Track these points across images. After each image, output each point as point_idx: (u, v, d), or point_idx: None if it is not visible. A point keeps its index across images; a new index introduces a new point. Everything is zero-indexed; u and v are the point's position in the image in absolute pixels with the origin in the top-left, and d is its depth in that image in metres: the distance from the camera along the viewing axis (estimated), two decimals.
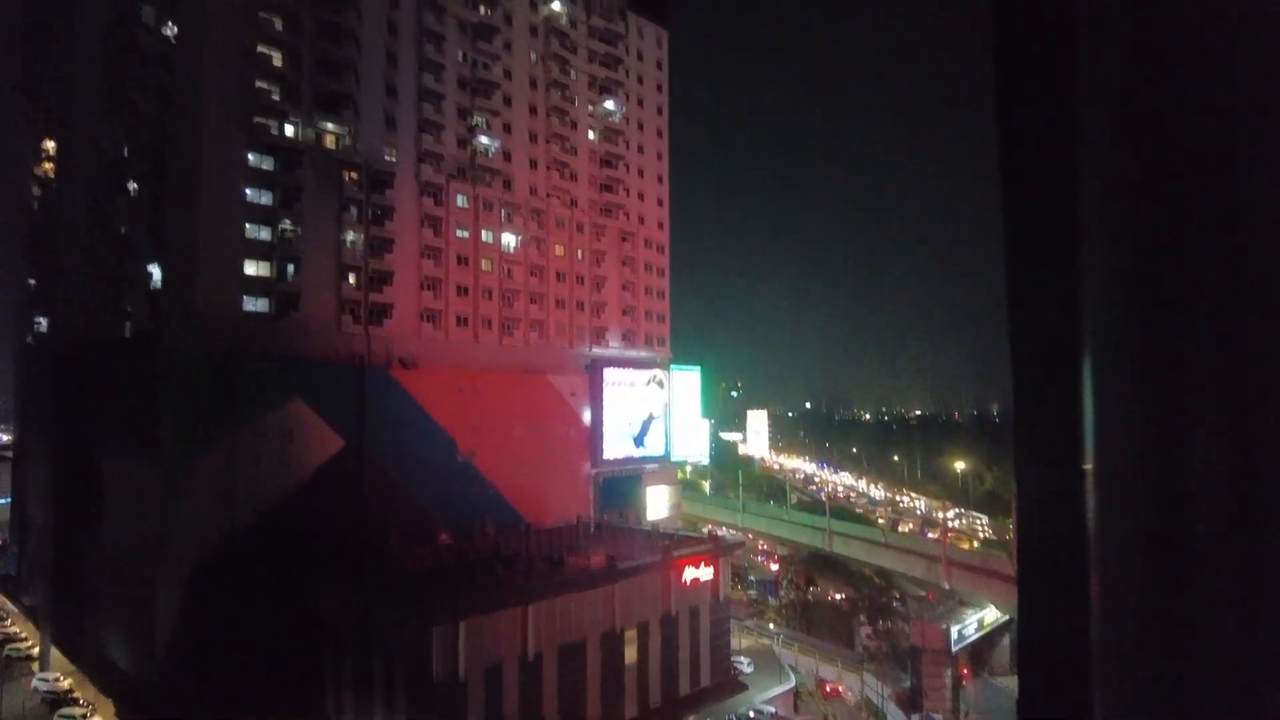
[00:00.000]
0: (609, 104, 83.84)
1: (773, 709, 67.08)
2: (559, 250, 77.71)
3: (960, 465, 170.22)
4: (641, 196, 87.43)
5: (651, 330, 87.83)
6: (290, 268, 57.70)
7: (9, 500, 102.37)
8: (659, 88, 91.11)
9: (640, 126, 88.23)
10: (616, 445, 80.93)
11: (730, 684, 62.09)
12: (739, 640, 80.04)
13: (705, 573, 59.58)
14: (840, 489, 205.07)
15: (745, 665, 73.18)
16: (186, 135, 56.43)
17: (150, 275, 59.23)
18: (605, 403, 79.48)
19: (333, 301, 60.07)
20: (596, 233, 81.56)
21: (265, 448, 54.34)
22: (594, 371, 79.33)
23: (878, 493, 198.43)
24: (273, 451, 54.67)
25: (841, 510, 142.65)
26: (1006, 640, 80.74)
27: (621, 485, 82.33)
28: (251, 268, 56.13)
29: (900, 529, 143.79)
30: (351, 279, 61.26)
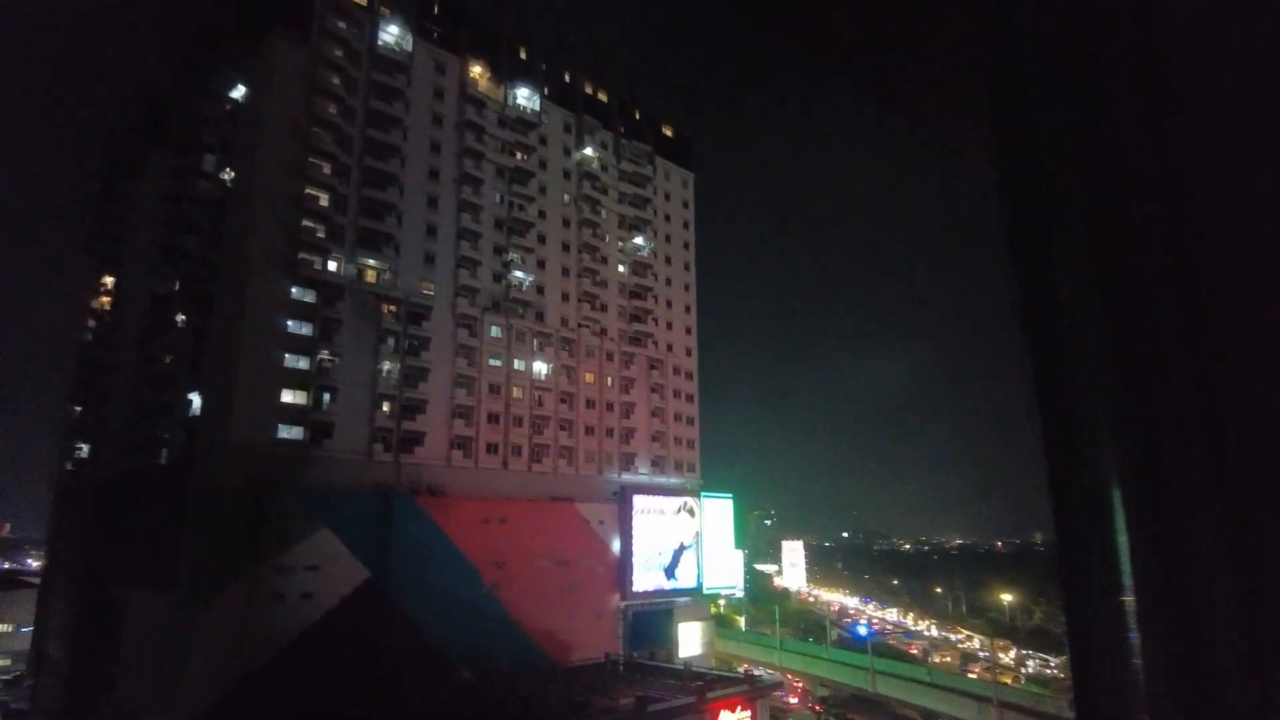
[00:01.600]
0: (638, 240, 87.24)
1: None
2: (589, 378, 78.79)
3: (1006, 598, 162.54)
4: (669, 325, 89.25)
5: (681, 456, 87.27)
6: (326, 396, 58.95)
7: (31, 629, 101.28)
8: (685, 224, 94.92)
9: (668, 260, 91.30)
10: (646, 577, 78.59)
11: None
12: None
13: (742, 717, 56.31)
14: (882, 624, 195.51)
15: None
16: (233, 271, 59.46)
17: (189, 404, 60.80)
18: (635, 531, 77.89)
19: (365, 430, 60.89)
20: (625, 361, 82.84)
21: (289, 582, 53.66)
22: (623, 498, 78.31)
23: (922, 628, 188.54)
24: (296, 585, 53.93)
25: (883, 647, 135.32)
26: None
27: (652, 620, 79.30)
28: (289, 396, 57.44)
29: (969, 670, 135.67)
30: (385, 407, 62.31)
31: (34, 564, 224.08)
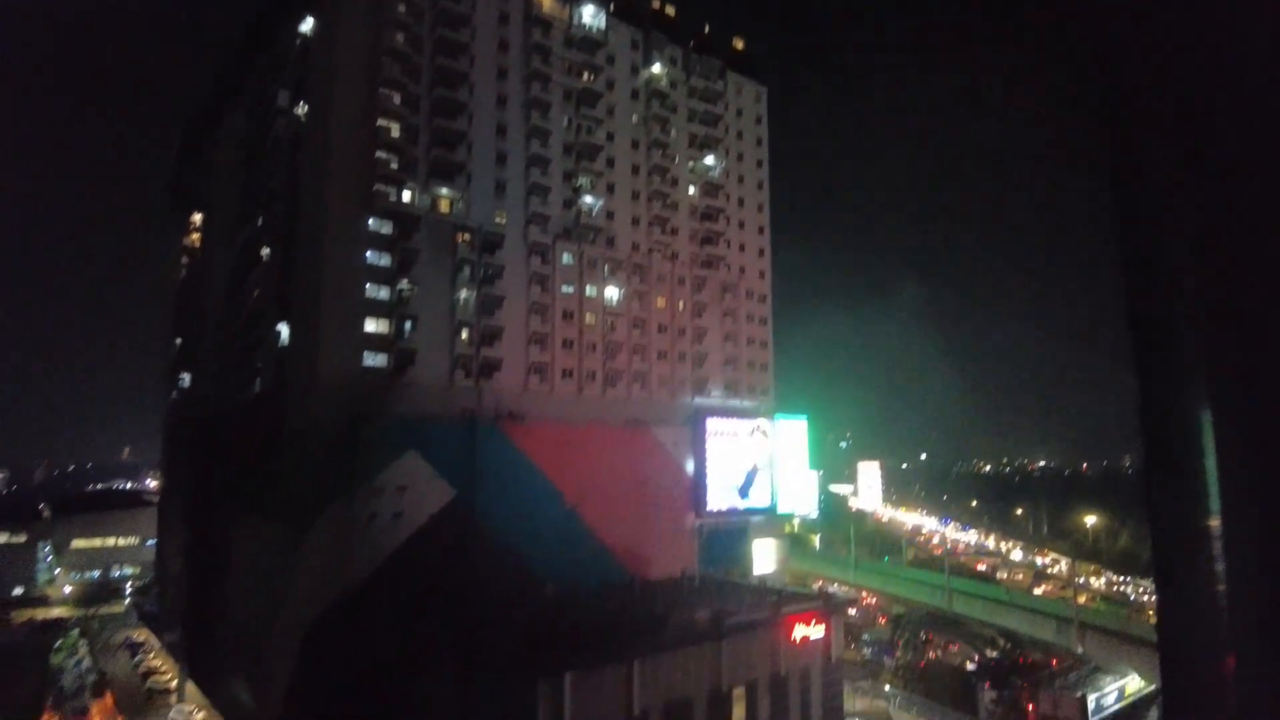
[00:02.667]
0: (709, 160, 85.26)
1: None
2: (660, 303, 78.74)
3: (1091, 520, 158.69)
4: (742, 248, 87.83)
5: (755, 381, 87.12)
6: (407, 325, 60.81)
7: (155, 543, 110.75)
8: (758, 141, 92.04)
9: (740, 180, 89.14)
10: (720, 497, 79.95)
11: None
12: (852, 702, 76.30)
13: (816, 631, 57.51)
14: (960, 545, 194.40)
15: None
16: (311, 206, 61.12)
17: (278, 337, 63.71)
18: (708, 454, 78.94)
19: (446, 358, 62.77)
20: (698, 285, 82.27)
21: (381, 504, 56.60)
22: (696, 422, 79.14)
23: (1004, 550, 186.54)
24: (388, 507, 56.88)
25: (961, 568, 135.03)
26: (1154, 714, 73.68)
27: (726, 538, 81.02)
28: (371, 325, 59.49)
29: (1035, 590, 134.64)
30: (464, 335, 63.95)
31: (152, 484, 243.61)
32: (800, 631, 56.53)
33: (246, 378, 69.79)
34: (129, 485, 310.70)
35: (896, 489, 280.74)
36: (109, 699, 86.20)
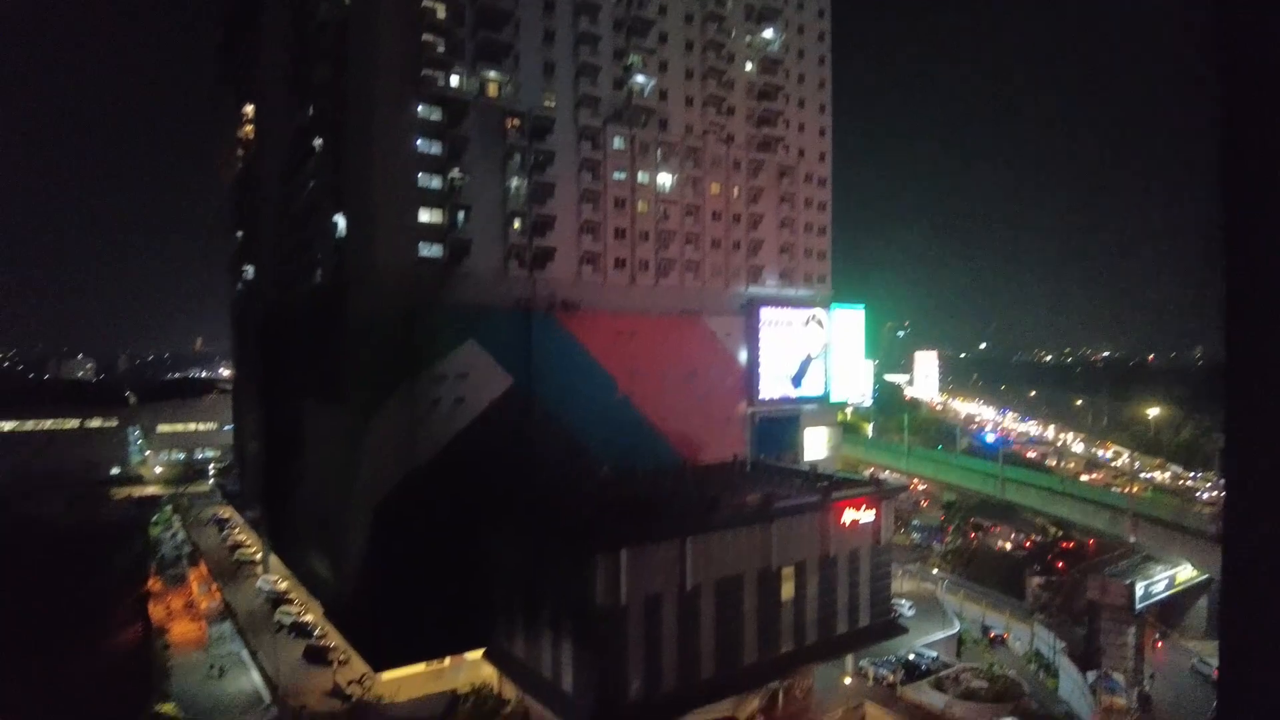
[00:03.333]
0: (768, 33, 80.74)
1: (935, 654, 65.67)
2: (715, 189, 76.80)
3: (1153, 413, 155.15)
4: (802, 129, 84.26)
5: (811, 269, 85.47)
6: (460, 215, 60.78)
7: (232, 428, 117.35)
8: (820, 13, 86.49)
9: (801, 54, 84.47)
10: (773, 385, 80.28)
11: (891, 626, 61.28)
12: (900, 585, 78.56)
13: (866, 515, 58.55)
14: (1015, 435, 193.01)
15: (907, 609, 71.87)
16: (360, 93, 60.28)
17: (335, 227, 64.45)
18: (762, 343, 78.77)
19: (499, 247, 62.88)
20: (753, 169, 79.76)
21: (442, 390, 58.39)
22: (750, 311, 78.60)
23: (1063, 441, 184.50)
24: (449, 393, 58.69)
25: (1015, 457, 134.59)
26: (1204, 602, 74.05)
27: (778, 426, 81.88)
28: (425, 215, 59.63)
29: (1082, 478, 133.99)
30: (516, 225, 63.75)
31: (225, 373, 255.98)
32: (850, 516, 57.61)
33: (306, 269, 71.28)
34: (203, 374, 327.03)
35: (954, 378, 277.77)
36: (203, 567, 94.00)
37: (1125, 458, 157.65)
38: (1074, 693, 60.95)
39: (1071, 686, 61.62)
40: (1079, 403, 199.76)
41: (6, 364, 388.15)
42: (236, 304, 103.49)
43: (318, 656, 63.41)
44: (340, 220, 63.65)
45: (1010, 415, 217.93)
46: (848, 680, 60.69)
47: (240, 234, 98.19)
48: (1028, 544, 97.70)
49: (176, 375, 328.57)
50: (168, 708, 56.91)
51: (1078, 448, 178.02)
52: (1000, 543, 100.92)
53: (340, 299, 61.65)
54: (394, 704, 54.94)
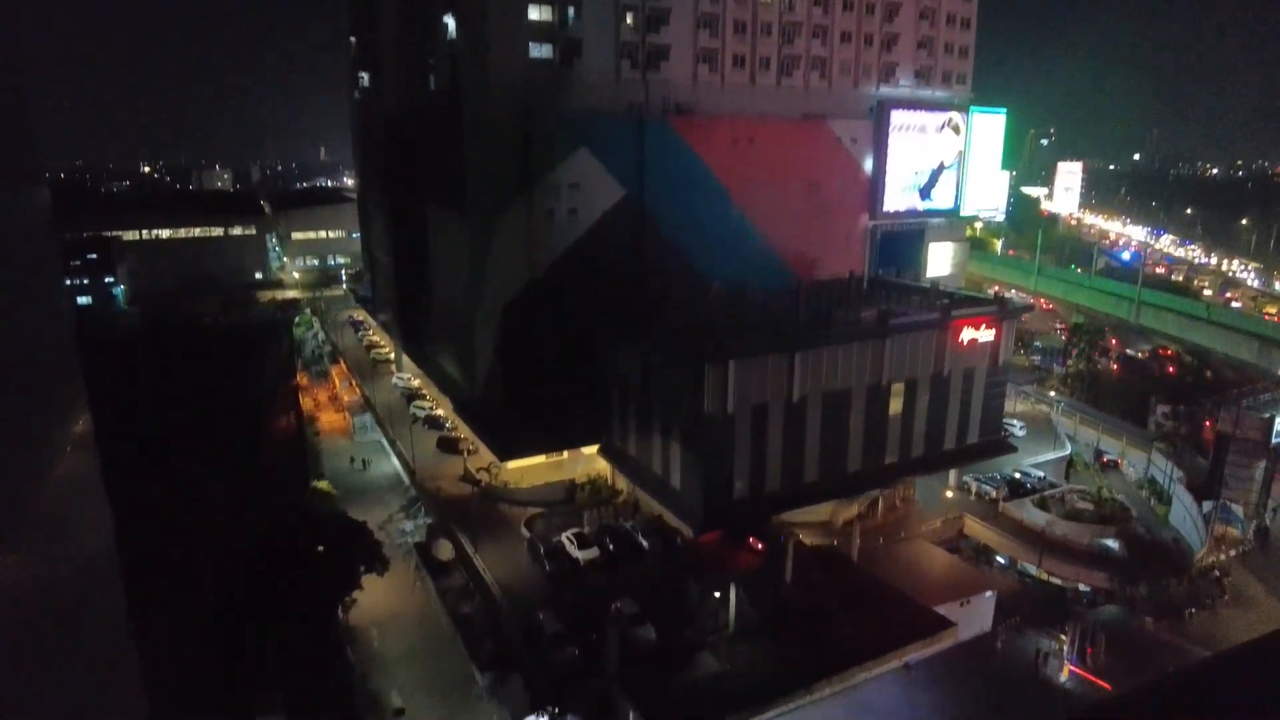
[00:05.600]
0: None
1: (1042, 474, 65.37)
2: None
3: None
4: None
5: (950, 67, 77.35)
6: (570, 11, 57.55)
7: (359, 235, 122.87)
8: None
9: None
10: (899, 197, 75.74)
11: (999, 445, 60.94)
12: (1014, 405, 77.16)
13: (985, 335, 56.60)
14: (1150, 252, 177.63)
15: (1018, 429, 71.05)
16: None
17: (446, 29, 62.48)
18: (890, 149, 73.44)
19: (611, 46, 59.71)
20: None
21: (556, 201, 58.26)
22: (880, 115, 72.81)
23: (1224, 267, 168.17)
24: (563, 204, 58.56)
25: (1156, 280, 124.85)
26: None
27: (901, 241, 78.22)
28: (534, 12, 56.84)
29: (1234, 304, 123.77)
30: (629, 19, 59.98)
31: (349, 181, 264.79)
32: (968, 334, 55.80)
33: (421, 74, 70.40)
34: (329, 183, 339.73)
35: (1098, 193, 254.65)
36: (343, 365, 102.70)
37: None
38: (1185, 521, 59.89)
39: (1184, 515, 60.47)
40: (1244, 222, 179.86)
41: (156, 175, 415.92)
42: (355, 112, 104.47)
43: (449, 446, 69.66)
44: (450, 21, 61.63)
45: (1167, 238, 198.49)
46: (949, 494, 61.70)
47: (354, 40, 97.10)
48: (1157, 371, 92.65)
49: (304, 184, 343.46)
50: (323, 485, 64.65)
51: (1246, 278, 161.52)
52: (1127, 369, 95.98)
53: (455, 105, 61.09)
54: (519, 489, 60.35)
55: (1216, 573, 56.81)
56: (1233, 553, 60.37)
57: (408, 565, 54.04)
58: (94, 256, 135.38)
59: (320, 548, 45.73)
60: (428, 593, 50.69)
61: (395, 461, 72.12)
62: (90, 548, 15.37)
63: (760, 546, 48.73)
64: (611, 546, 50.36)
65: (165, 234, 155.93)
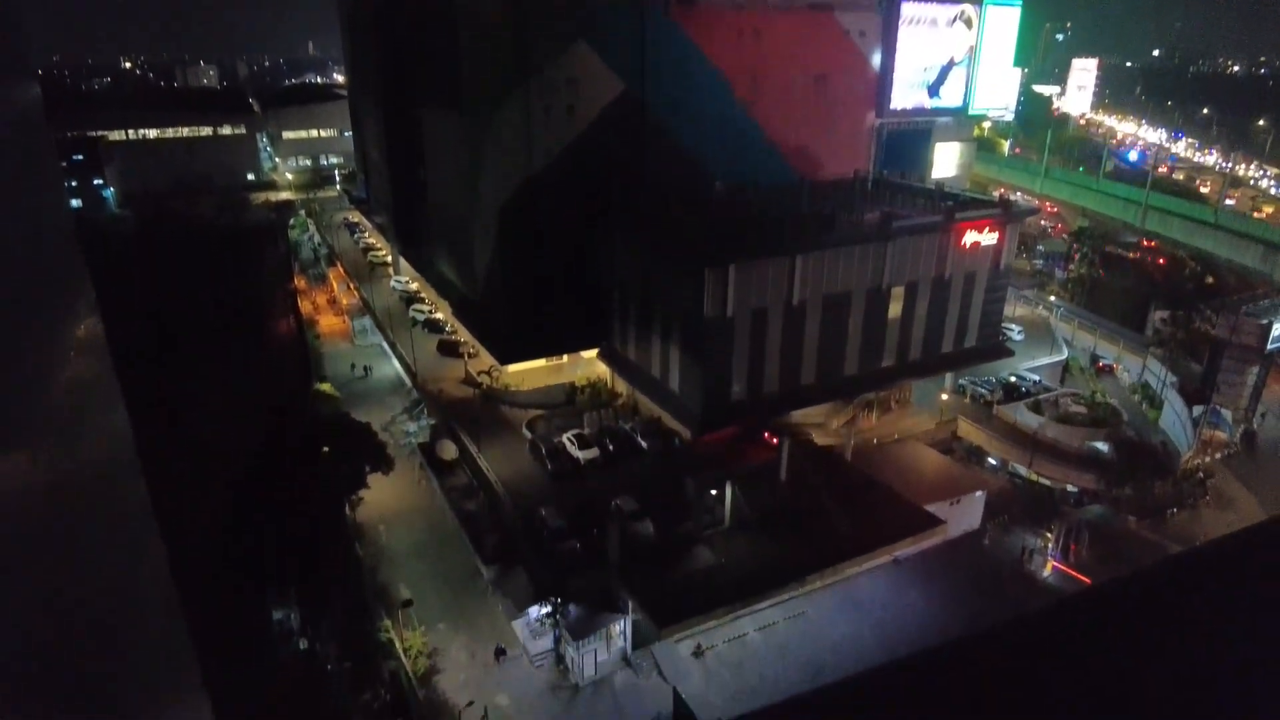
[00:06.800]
0: None
1: (1037, 378, 66.13)
2: None
3: None
4: None
5: None
6: None
7: (352, 134, 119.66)
8: None
9: None
10: (906, 94, 73.36)
11: (996, 349, 61.36)
12: (1013, 309, 77.28)
13: (988, 238, 56.07)
14: (1152, 150, 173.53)
15: (1015, 333, 71.38)
16: None
17: None
18: (899, 44, 70.57)
19: None
20: None
21: (553, 97, 56.30)
22: (889, 7, 69.66)
23: (1241, 172, 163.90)
24: (560, 100, 56.63)
25: (1161, 182, 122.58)
26: None
27: (907, 140, 76.28)
28: None
29: (1228, 202, 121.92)
30: None
31: (339, 78, 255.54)
32: (971, 238, 55.27)
33: None
34: (319, 79, 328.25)
35: (1113, 90, 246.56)
36: (340, 268, 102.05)
37: None
38: (1175, 424, 60.96)
39: (1174, 419, 61.49)
40: (1261, 123, 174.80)
41: (139, 72, 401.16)
42: (344, 3, 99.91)
43: (450, 350, 70.11)
44: None
45: (1184, 142, 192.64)
46: (945, 397, 62.56)
47: None
48: (1157, 276, 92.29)
49: (293, 81, 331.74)
50: (325, 386, 65.44)
51: (1268, 186, 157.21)
52: (1129, 275, 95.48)
53: None
54: (520, 392, 61.14)
55: (1200, 475, 58.37)
56: (1218, 456, 61.87)
57: (412, 465, 55.40)
58: (80, 158, 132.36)
59: (325, 448, 46.78)
60: (433, 491, 52.14)
61: (396, 364, 72.74)
62: (107, 445, 15.73)
63: (774, 440, 49.02)
64: (611, 447, 51.44)
65: (152, 134, 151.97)
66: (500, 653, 40.62)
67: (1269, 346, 62.20)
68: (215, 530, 38.81)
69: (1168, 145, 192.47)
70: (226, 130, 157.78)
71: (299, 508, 39.45)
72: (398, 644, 40.39)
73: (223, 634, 28.05)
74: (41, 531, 11.27)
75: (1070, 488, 56.94)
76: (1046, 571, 49.03)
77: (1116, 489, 54.68)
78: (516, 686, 39.31)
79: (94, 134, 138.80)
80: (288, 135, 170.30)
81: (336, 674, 37.79)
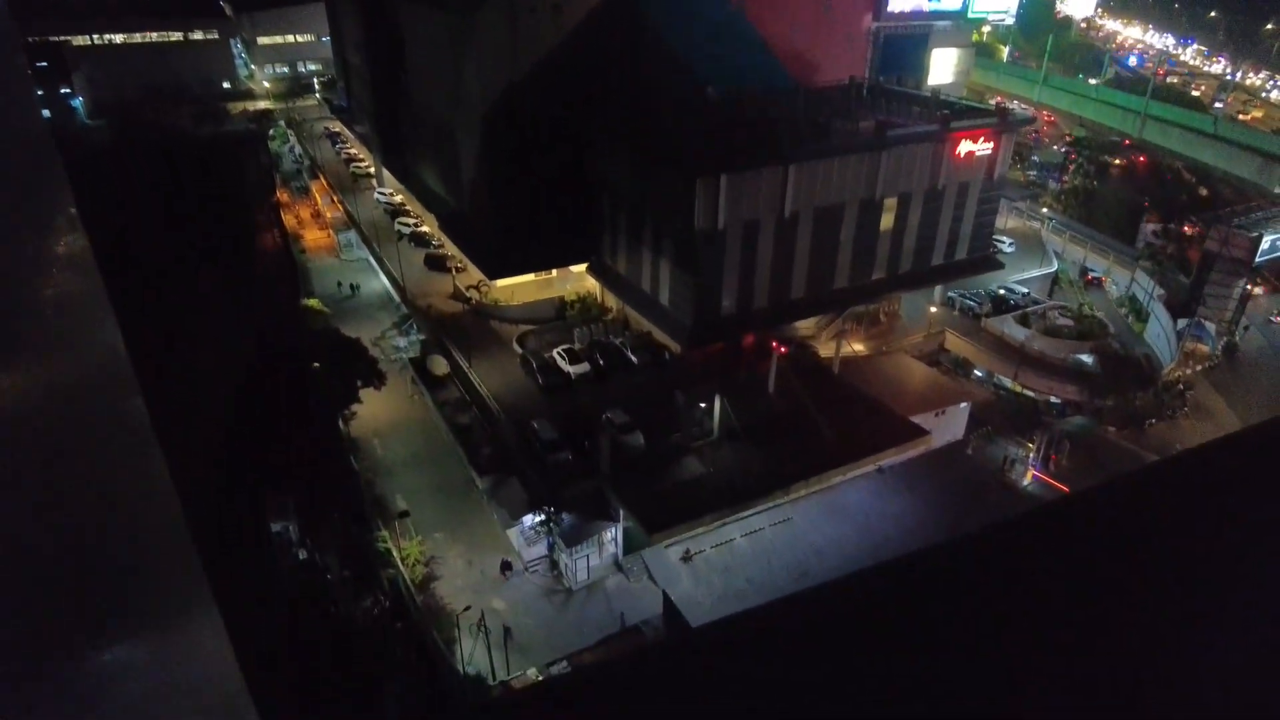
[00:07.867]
0: None
1: (1026, 290, 66.33)
2: None
3: None
4: None
5: None
6: None
7: (330, 39, 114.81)
8: None
9: None
10: None
11: (987, 261, 61.30)
12: (1005, 221, 76.76)
13: (983, 148, 55.18)
14: (1170, 61, 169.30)
15: (1006, 246, 71.18)
16: None
17: None
18: None
19: None
20: None
21: None
22: None
23: (1248, 80, 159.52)
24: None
25: (1167, 92, 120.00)
26: None
27: (904, 45, 74.05)
28: None
29: (1242, 117, 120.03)
30: None
31: None
32: (966, 147, 54.35)
33: None
34: None
35: None
36: (323, 180, 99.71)
37: None
38: (1159, 337, 61.63)
39: (1159, 331, 62.12)
40: (1269, 27, 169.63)
41: None
42: None
43: (437, 264, 69.36)
44: None
45: (1193, 48, 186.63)
46: (933, 309, 62.83)
47: None
48: (1151, 191, 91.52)
49: None
50: (313, 302, 65.02)
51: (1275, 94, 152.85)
52: (1124, 187, 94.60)
53: None
54: (509, 306, 60.97)
55: (1181, 387, 59.40)
56: (1199, 368, 62.82)
57: (404, 380, 55.69)
58: (44, 65, 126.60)
59: (317, 364, 46.90)
60: (426, 405, 52.63)
61: (384, 279, 72.10)
62: (99, 357, 15.70)
63: (782, 349, 49.01)
64: (602, 361, 51.74)
65: (119, 39, 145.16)
66: (506, 566, 41.68)
67: (1257, 260, 62.34)
68: (212, 444, 39.27)
69: (1175, 51, 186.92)
70: (198, 35, 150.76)
71: (295, 420, 39.86)
72: (395, 553, 41.55)
73: (225, 546, 28.77)
74: (40, 446, 11.39)
75: (1053, 399, 57.94)
76: (1027, 480, 50.39)
77: (1098, 400, 55.69)
78: (512, 591, 40.72)
79: (57, 39, 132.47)
80: (263, 40, 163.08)
81: (336, 582, 39.01)
